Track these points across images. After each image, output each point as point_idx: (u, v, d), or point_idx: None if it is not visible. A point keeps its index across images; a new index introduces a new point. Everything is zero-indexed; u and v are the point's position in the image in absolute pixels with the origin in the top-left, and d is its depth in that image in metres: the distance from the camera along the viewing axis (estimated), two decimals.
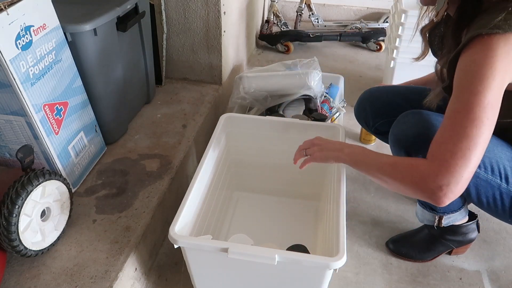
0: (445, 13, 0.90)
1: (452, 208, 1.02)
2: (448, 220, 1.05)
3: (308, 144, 0.96)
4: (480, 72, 0.70)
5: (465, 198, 1.00)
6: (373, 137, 1.57)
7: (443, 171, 0.71)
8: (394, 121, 1.00)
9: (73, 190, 1.09)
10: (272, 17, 2.32)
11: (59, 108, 1.02)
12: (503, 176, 0.86)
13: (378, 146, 1.57)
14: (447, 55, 0.85)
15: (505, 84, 0.72)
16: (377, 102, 1.19)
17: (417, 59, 1.03)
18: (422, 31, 0.99)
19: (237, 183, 1.34)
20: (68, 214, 1.00)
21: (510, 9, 0.71)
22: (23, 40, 0.87)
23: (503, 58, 0.69)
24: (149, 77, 1.44)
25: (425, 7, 0.95)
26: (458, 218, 1.06)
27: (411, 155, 0.91)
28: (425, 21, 0.98)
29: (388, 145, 1.53)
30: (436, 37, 0.98)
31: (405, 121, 0.95)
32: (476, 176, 0.86)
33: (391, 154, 1.50)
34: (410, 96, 1.15)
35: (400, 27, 1.59)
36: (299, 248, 1.02)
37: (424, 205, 1.06)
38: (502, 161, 0.86)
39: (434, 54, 1.01)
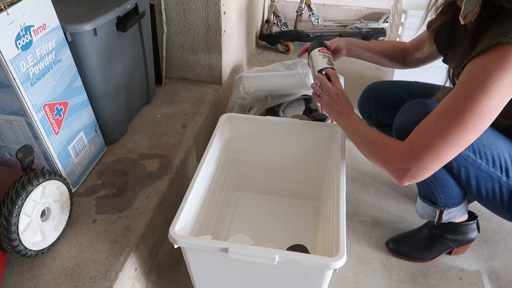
0: (453, 12, 0.89)
1: (452, 202, 1.02)
2: (448, 216, 1.05)
3: (328, 87, 1.01)
4: (487, 82, 0.69)
5: (465, 191, 1.00)
6: None
7: (410, 159, 0.77)
8: (396, 113, 1.00)
9: (73, 190, 1.09)
10: (272, 17, 2.32)
11: (59, 108, 1.02)
12: (503, 169, 0.87)
13: None
14: (460, 58, 0.84)
15: (508, 97, 0.71)
16: (381, 95, 1.20)
17: (422, 52, 1.02)
18: (430, 26, 0.98)
19: (237, 183, 1.34)
20: (68, 214, 1.00)
21: None
22: (23, 40, 0.87)
23: None
24: (149, 77, 1.44)
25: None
26: (458, 214, 1.06)
27: None
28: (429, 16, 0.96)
29: None
30: (443, 36, 0.96)
31: (409, 109, 0.95)
32: (477, 167, 0.87)
33: None
34: (414, 90, 1.15)
35: (400, 27, 1.59)
36: (299, 248, 1.02)
37: (425, 198, 1.06)
38: (503, 154, 0.87)
39: (441, 52, 1.01)
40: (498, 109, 0.71)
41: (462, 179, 0.92)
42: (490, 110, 0.70)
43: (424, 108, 0.90)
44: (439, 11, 0.93)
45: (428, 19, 0.97)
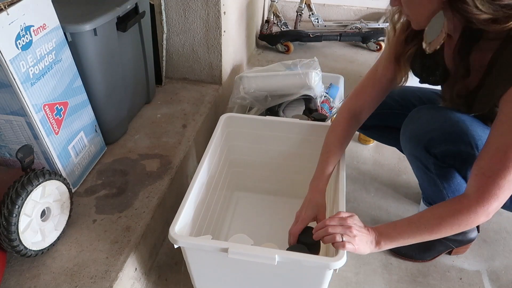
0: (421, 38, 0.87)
1: None
2: None
3: (338, 222, 0.84)
4: None
5: None
6: None
7: (492, 202, 0.75)
8: (378, 114, 1.00)
9: (73, 190, 1.09)
10: (272, 17, 2.32)
11: (59, 108, 1.02)
12: None
13: (378, 146, 1.57)
14: (457, 80, 0.84)
15: None
16: None
17: (400, 86, 0.98)
18: (399, 58, 0.93)
19: (237, 183, 1.34)
20: (68, 214, 1.00)
21: None
22: (23, 40, 0.87)
23: None
24: (149, 77, 1.44)
25: (390, 22, 0.90)
26: None
27: (430, 152, 0.91)
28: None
29: (385, 146, 1.52)
30: (422, 62, 0.92)
31: (420, 116, 0.93)
32: None
33: (388, 156, 1.51)
34: (392, 92, 1.13)
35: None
36: (299, 248, 1.02)
37: (430, 204, 1.06)
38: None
39: (422, 78, 0.96)
40: None
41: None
42: None
43: (437, 115, 0.90)
44: (405, 41, 0.91)
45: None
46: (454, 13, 0.72)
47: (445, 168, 0.91)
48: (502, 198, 0.75)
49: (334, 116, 1.48)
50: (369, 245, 0.83)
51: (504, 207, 0.94)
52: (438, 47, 0.77)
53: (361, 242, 0.81)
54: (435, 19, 0.74)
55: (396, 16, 0.89)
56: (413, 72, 0.96)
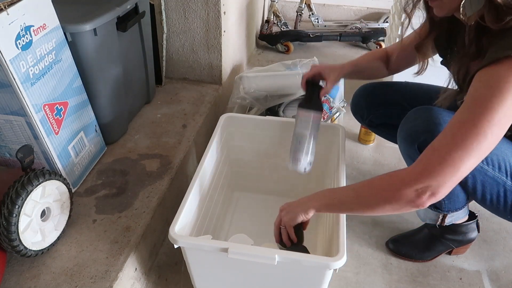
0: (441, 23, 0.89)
1: (457, 206, 1.02)
2: (451, 219, 1.05)
3: (278, 218, 0.94)
4: (503, 89, 0.67)
5: (468, 195, 1.00)
6: (372, 137, 1.57)
7: (426, 175, 0.70)
8: (387, 113, 1.00)
9: (73, 190, 1.09)
10: (272, 17, 2.33)
11: (59, 108, 1.02)
12: (509, 173, 0.87)
13: (378, 146, 1.57)
14: (464, 59, 0.82)
15: None
16: (370, 96, 1.21)
17: (419, 73, 1.00)
18: (420, 47, 0.96)
19: (237, 183, 1.34)
20: (68, 214, 1.00)
21: None
22: (23, 40, 0.87)
23: None
24: (149, 77, 1.44)
25: (404, 16, 0.92)
26: (460, 217, 1.06)
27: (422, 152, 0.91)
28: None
29: (385, 146, 1.52)
30: (442, 40, 0.95)
31: (416, 117, 0.94)
32: (484, 173, 0.87)
33: (388, 156, 1.51)
34: (402, 90, 1.15)
35: (400, 27, 1.59)
36: (299, 247, 1.02)
37: None
38: (508, 158, 0.87)
39: (444, 56, 0.98)
40: None
41: (468, 186, 0.91)
42: (507, 117, 0.68)
43: (431, 116, 0.90)
44: (424, 33, 0.94)
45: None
46: None
47: None
48: (441, 177, 0.69)
49: (334, 116, 1.48)
50: (299, 208, 0.88)
51: (498, 213, 0.95)
52: (476, 19, 0.74)
53: (288, 212, 0.90)
54: None
55: (410, 6, 0.89)
56: (438, 53, 0.98)
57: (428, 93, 1.10)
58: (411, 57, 1.05)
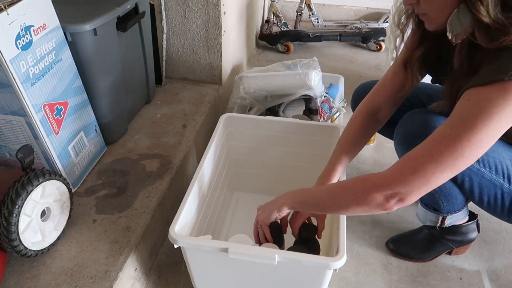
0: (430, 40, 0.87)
1: (456, 208, 1.02)
2: (450, 220, 1.05)
3: (255, 218, 0.96)
4: (489, 111, 0.66)
5: (467, 197, 1.00)
6: (372, 137, 1.56)
7: (397, 182, 0.72)
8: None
9: (73, 190, 1.09)
10: (272, 17, 2.32)
11: (59, 108, 1.02)
12: (505, 176, 0.87)
13: (378, 146, 1.57)
14: (457, 77, 0.81)
15: (505, 129, 0.69)
16: None
17: (406, 92, 0.96)
18: (408, 63, 0.92)
19: (237, 183, 1.34)
20: (68, 214, 1.00)
21: None
22: (23, 40, 0.87)
23: None
24: (149, 77, 1.44)
25: (399, 30, 0.89)
26: (460, 218, 1.06)
27: None
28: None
29: (385, 146, 1.53)
30: (432, 58, 0.92)
31: (412, 120, 0.94)
32: (481, 175, 0.87)
33: (388, 156, 1.51)
34: None
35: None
36: (299, 248, 1.01)
37: (428, 206, 1.06)
38: (505, 161, 0.87)
39: (433, 75, 0.97)
40: (495, 139, 0.69)
41: (465, 188, 0.91)
42: (488, 139, 0.68)
43: (427, 120, 0.90)
44: (412, 46, 0.90)
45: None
46: (466, 10, 0.70)
47: None
48: (411, 186, 0.71)
49: (334, 116, 1.48)
50: (274, 205, 0.89)
51: (496, 214, 0.95)
52: (465, 37, 0.74)
53: (264, 211, 0.91)
54: (461, 10, 0.71)
55: (403, 19, 0.88)
56: (427, 71, 0.96)
57: (428, 92, 1.10)
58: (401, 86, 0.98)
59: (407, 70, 0.93)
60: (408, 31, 0.91)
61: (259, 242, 0.95)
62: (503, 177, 0.87)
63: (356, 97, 1.24)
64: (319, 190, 0.88)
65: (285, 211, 0.89)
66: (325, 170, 1.01)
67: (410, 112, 0.96)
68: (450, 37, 0.75)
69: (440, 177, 0.70)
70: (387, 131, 1.25)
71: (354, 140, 1.02)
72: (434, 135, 0.72)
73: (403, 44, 0.95)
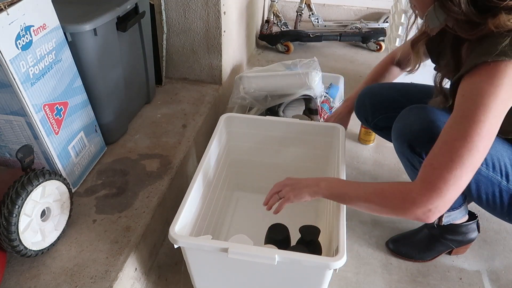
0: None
1: (452, 206, 1.02)
2: (448, 218, 1.05)
3: (279, 187, 0.95)
4: (484, 101, 0.70)
5: (465, 195, 1.00)
6: (372, 137, 1.57)
7: (435, 197, 0.74)
8: (393, 116, 1.00)
9: (73, 190, 1.09)
10: (272, 17, 2.33)
11: (59, 108, 1.02)
12: (503, 173, 0.87)
13: (378, 146, 1.57)
14: (446, 68, 0.87)
15: (507, 110, 0.72)
16: (376, 98, 1.19)
17: (410, 71, 1.04)
18: (414, 44, 0.97)
19: (237, 183, 1.34)
20: (68, 214, 1.00)
21: None
22: (23, 40, 0.87)
23: (508, 86, 0.69)
24: (149, 77, 1.44)
25: (412, 16, 0.92)
26: (458, 217, 1.06)
27: (414, 150, 0.92)
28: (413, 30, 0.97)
29: (385, 146, 1.53)
30: (434, 46, 0.97)
31: (409, 115, 0.94)
32: (477, 172, 0.87)
33: (388, 156, 1.51)
34: (409, 92, 1.15)
35: (400, 27, 1.59)
36: (299, 248, 1.02)
37: None
38: (503, 158, 0.87)
39: (435, 62, 1.00)
40: (499, 123, 0.72)
41: None
42: (493, 127, 0.71)
43: (424, 115, 0.91)
44: (422, 29, 0.95)
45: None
46: (439, 8, 0.76)
47: None
48: (447, 194, 0.74)
49: None
50: (308, 189, 0.89)
51: (495, 213, 0.95)
52: (434, 33, 0.83)
53: (294, 189, 0.90)
54: (431, 9, 0.78)
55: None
56: (431, 58, 1.01)
57: (422, 91, 1.11)
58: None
59: (413, 50, 0.98)
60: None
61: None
62: (501, 174, 0.87)
63: (362, 102, 1.23)
64: (356, 188, 0.87)
65: (315, 198, 0.90)
66: (350, 96, 1.26)
67: (406, 108, 0.97)
68: (428, 31, 0.83)
69: (467, 178, 0.74)
70: (385, 133, 1.25)
71: (373, 77, 1.23)
72: (445, 139, 0.74)
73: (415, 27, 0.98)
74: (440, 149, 0.75)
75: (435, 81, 0.95)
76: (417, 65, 1.01)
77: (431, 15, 0.78)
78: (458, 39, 0.81)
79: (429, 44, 0.97)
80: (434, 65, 1.01)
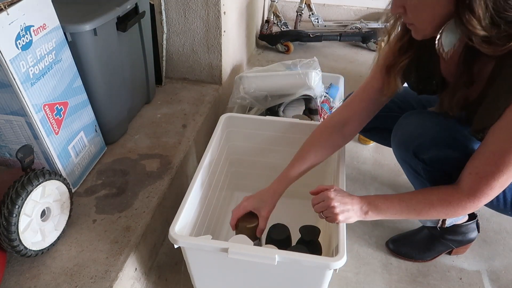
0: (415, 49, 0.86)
1: None
2: (451, 220, 1.05)
3: (325, 198, 0.88)
4: None
5: None
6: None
7: (483, 201, 0.80)
8: (378, 116, 0.99)
9: (73, 190, 1.09)
10: (272, 17, 2.32)
11: (59, 108, 1.02)
12: None
13: (378, 146, 1.57)
14: (458, 88, 0.82)
15: None
16: None
17: (388, 97, 0.95)
18: (391, 69, 0.89)
19: (237, 183, 1.34)
20: (68, 214, 1.00)
21: None
22: (23, 40, 0.87)
23: None
24: (149, 77, 1.44)
25: (385, 39, 0.88)
26: (460, 218, 1.06)
27: (418, 157, 0.90)
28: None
29: (385, 147, 1.53)
30: (418, 74, 0.90)
31: (408, 122, 0.94)
32: None
33: (388, 156, 1.51)
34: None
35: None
36: (299, 248, 1.02)
37: None
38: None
39: (419, 90, 0.93)
40: None
41: None
42: None
43: (424, 121, 0.90)
44: (399, 52, 0.87)
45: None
46: (458, 24, 0.69)
47: (435, 172, 0.91)
48: (491, 196, 0.79)
49: None
50: (357, 213, 0.87)
51: (498, 209, 0.95)
52: (449, 56, 0.75)
53: (343, 212, 0.86)
54: (450, 26, 0.71)
55: (391, 22, 0.85)
56: (408, 85, 0.95)
57: (417, 97, 1.09)
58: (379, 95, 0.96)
59: (389, 76, 0.90)
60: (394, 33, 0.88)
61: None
62: None
63: None
64: (404, 205, 0.86)
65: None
66: (279, 176, 1.03)
67: (405, 115, 0.96)
68: (443, 54, 0.75)
69: (509, 181, 0.78)
70: (378, 137, 1.24)
71: (313, 150, 1.02)
72: (494, 151, 0.76)
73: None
74: (488, 159, 0.77)
75: (447, 102, 0.87)
76: (395, 91, 0.92)
77: (451, 31, 0.71)
78: (471, 53, 0.76)
79: (414, 66, 0.89)
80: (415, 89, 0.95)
